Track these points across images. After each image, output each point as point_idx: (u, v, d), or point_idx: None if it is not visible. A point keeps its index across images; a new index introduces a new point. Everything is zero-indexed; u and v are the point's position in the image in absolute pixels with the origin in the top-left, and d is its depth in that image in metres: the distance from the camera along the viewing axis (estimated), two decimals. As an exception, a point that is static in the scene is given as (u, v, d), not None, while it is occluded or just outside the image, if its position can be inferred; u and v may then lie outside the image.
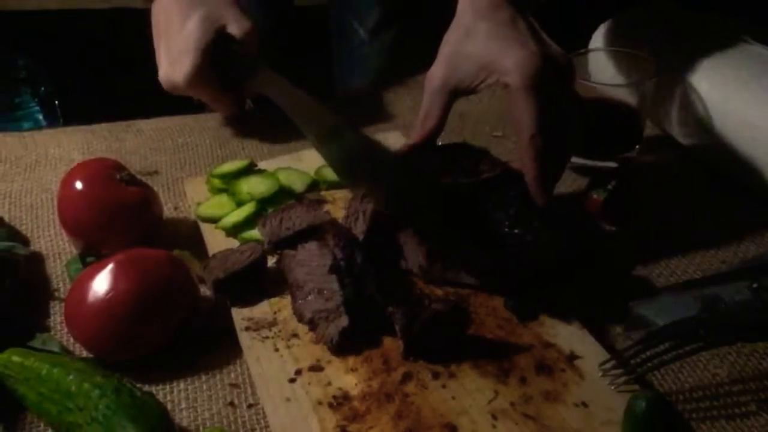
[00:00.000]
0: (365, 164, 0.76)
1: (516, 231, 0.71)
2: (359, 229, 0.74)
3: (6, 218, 0.86)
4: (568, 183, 0.89)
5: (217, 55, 0.88)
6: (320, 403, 0.61)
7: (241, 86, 0.92)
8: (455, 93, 0.77)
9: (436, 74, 0.77)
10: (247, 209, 0.81)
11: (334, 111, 0.78)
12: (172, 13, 0.90)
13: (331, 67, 1.37)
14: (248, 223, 0.80)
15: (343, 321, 0.66)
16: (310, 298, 0.68)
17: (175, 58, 0.87)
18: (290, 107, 0.81)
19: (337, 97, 1.30)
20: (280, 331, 0.68)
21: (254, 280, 0.72)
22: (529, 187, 0.72)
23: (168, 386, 0.66)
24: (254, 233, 0.78)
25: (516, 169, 0.75)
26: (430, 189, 0.74)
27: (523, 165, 0.72)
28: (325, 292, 0.68)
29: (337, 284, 0.68)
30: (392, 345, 0.66)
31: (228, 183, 0.86)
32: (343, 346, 0.65)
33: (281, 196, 0.84)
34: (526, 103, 0.71)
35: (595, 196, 0.83)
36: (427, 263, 0.72)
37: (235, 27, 0.90)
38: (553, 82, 0.72)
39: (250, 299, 0.71)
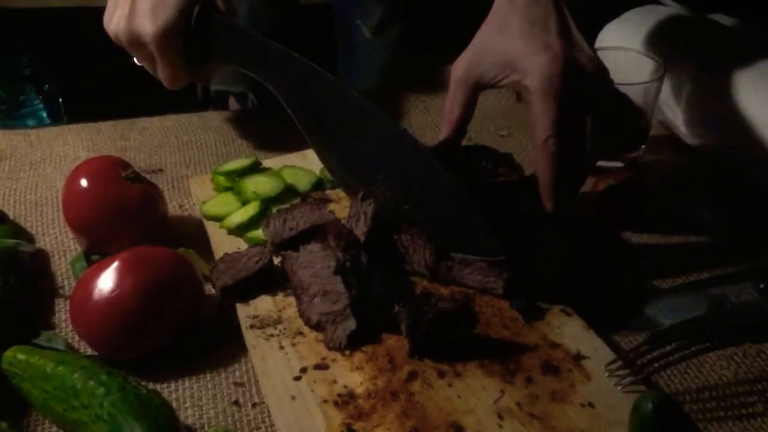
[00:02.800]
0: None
1: (521, 236, 0.70)
2: (360, 230, 0.74)
3: (11, 215, 0.86)
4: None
5: (195, 21, 0.81)
6: (325, 401, 0.61)
7: (213, 60, 0.85)
8: (477, 85, 0.76)
9: (461, 64, 0.77)
10: (252, 209, 0.81)
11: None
12: None
13: (335, 66, 1.37)
14: (253, 222, 0.80)
15: (351, 324, 0.66)
16: (315, 300, 0.68)
17: (148, 9, 0.80)
18: (277, 81, 0.78)
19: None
20: (285, 329, 0.68)
21: (262, 284, 0.72)
22: (540, 191, 0.72)
23: (173, 384, 0.65)
24: (259, 233, 0.78)
25: (534, 175, 0.74)
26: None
27: (537, 169, 0.72)
28: (331, 294, 0.68)
29: (343, 286, 0.68)
30: (398, 344, 0.66)
31: (233, 181, 0.86)
32: (349, 345, 0.65)
33: (286, 195, 0.84)
34: (543, 107, 0.70)
35: (601, 186, 0.83)
36: (433, 261, 0.72)
37: (221, 1, 0.85)
38: (575, 87, 0.71)
39: (254, 297, 0.71)
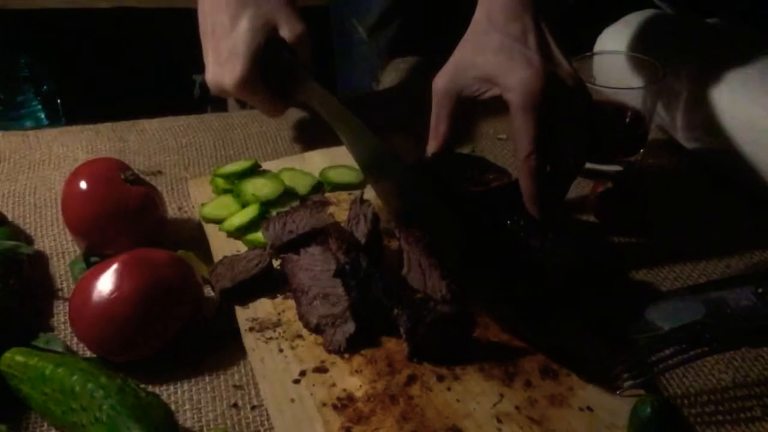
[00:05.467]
0: (405, 190, 0.75)
1: (530, 242, 0.70)
2: (361, 232, 0.74)
3: (10, 217, 0.85)
4: (572, 186, 0.89)
5: (267, 58, 0.84)
6: (325, 404, 0.61)
7: (288, 93, 0.88)
8: (459, 98, 0.77)
9: (441, 79, 0.78)
10: (251, 212, 0.81)
11: (378, 135, 0.75)
12: (221, 12, 0.85)
13: (331, 66, 1.37)
14: (252, 225, 0.80)
15: (350, 327, 0.66)
16: (315, 303, 0.68)
17: (224, 60, 0.84)
18: (338, 126, 0.79)
19: (338, 98, 1.30)
20: (284, 331, 0.68)
21: (261, 286, 0.72)
22: (525, 204, 0.72)
23: (172, 387, 0.65)
24: (258, 236, 0.78)
25: None
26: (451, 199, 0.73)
27: (520, 183, 0.72)
28: (331, 297, 0.68)
29: (342, 289, 0.68)
30: (397, 347, 0.66)
31: (232, 183, 0.86)
32: (348, 348, 0.65)
33: (285, 197, 0.84)
34: (524, 123, 0.71)
35: (600, 190, 0.83)
36: (450, 297, 0.68)
37: (287, 30, 0.86)
38: (556, 103, 0.71)
39: (254, 300, 0.71)
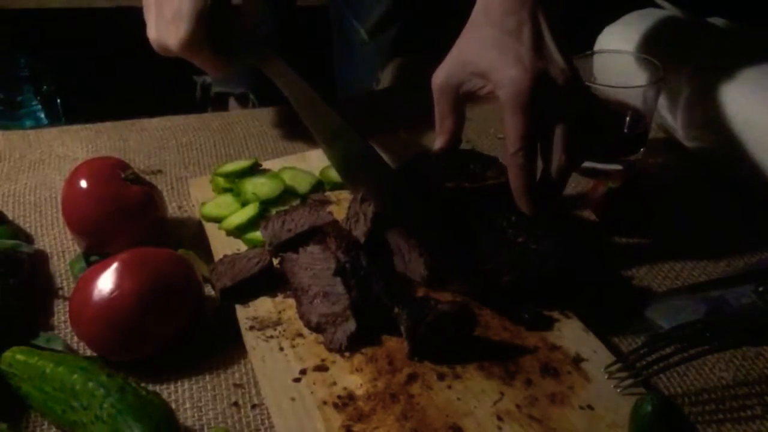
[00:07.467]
0: (366, 166, 0.76)
1: (519, 239, 0.71)
2: (360, 231, 0.74)
3: (10, 216, 0.85)
4: (573, 185, 0.89)
5: (213, 20, 0.82)
6: (325, 403, 0.61)
7: (236, 55, 0.86)
8: (459, 93, 0.77)
9: (439, 74, 0.78)
10: (250, 211, 0.81)
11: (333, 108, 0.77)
12: None
13: (331, 68, 1.37)
14: (252, 224, 0.80)
15: (351, 325, 0.66)
16: (316, 302, 0.68)
17: (168, 20, 0.81)
18: (289, 92, 0.79)
19: (338, 98, 1.30)
20: (284, 330, 0.68)
21: (261, 285, 0.72)
22: (515, 200, 0.72)
23: (172, 386, 0.65)
24: (258, 235, 0.78)
25: None
26: (432, 193, 0.73)
27: (509, 179, 0.73)
28: (331, 295, 0.68)
29: (343, 287, 0.68)
30: (397, 345, 0.66)
31: (232, 182, 0.86)
32: (349, 347, 0.65)
33: (285, 196, 0.84)
34: (512, 120, 0.71)
35: (600, 189, 0.83)
36: (428, 274, 0.71)
37: None
38: (546, 100, 0.71)
39: (254, 299, 0.71)
